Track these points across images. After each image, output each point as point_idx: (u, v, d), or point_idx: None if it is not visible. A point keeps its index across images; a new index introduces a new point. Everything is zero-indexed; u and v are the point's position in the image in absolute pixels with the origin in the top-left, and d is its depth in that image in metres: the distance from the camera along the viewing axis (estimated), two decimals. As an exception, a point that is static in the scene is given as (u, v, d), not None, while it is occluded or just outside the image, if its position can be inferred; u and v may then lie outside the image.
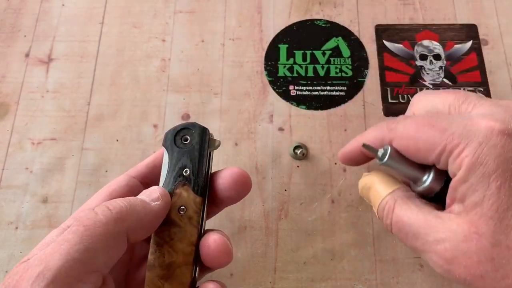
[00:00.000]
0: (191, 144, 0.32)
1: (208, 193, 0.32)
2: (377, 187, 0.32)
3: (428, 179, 0.30)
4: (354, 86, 0.50)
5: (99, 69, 0.51)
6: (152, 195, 0.30)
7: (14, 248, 0.43)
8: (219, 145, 0.34)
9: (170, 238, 0.30)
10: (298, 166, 0.46)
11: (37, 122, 0.49)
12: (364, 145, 0.33)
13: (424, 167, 0.31)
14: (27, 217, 0.44)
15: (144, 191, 0.30)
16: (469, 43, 0.52)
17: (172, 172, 0.31)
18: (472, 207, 0.26)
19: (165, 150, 0.32)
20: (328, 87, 0.50)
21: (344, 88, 0.50)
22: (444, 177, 0.30)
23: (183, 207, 0.30)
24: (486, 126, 0.26)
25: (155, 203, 0.29)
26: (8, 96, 0.50)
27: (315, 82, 0.50)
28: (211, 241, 0.29)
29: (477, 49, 0.52)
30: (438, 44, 0.52)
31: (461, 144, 0.27)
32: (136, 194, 0.31)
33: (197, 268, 0.31)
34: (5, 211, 0.45)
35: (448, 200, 0.29)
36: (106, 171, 0.46)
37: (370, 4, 0.54)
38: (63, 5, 0.55)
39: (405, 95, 0.49)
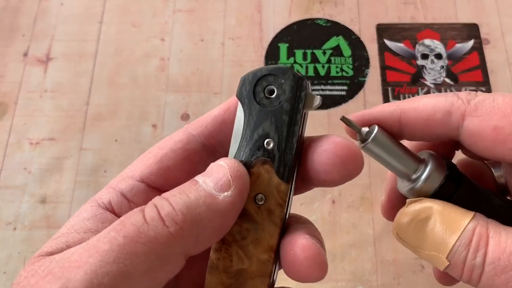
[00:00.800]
0: (279, 101, 0.22)
1: (296, 172, 0.23)
2: (445, 216, 0.21)
3: (425, 171, 0.23)
4: (355, 85, 0.50)
5: (98, 68, 0.51)
6: (220, 180, 0.20)
7: (13, 249, 0.43)
8: (319, 105, 0.23)
9: (242, 237, 0.21)
10: (298, 166, 0.46)
11: (35, 122, 0.48)
12: (343, 118, 0.23)
13: (419, 159, 0.23)
14: (25, 217, 0.44)
15: (208, 169, 0.21)
16: (471, 43, 0.52)
17: (249, 141, 0.22)
18: None
19: (239, 104, 0.22)
20: (329, 87, 0.49)
21: (345, 87, 0.49)
22: (445, 169, 0.23)
23: (261, 195, 0.22)
24: None
25: (225, 194, 0.20)
26: (7, 96, 0.50)
27: (315, 82, 0.50)
28: (299, 248, 0.21)
29: (478, 49, 0.51)
30: (439, 43, 0.52)
31: None
32: (194, 164, 0.22)
33: (276, 275, 0.23)
34: (3, 211, 0.44)
35: None
36: (105, 171, 0.46)
37: (371, 3, 0.54)
38: (61, 4, 0.55)
39: (406, 95, 0.49)
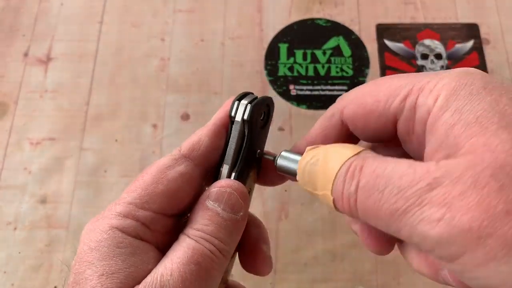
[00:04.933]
0: (265, 122, 0.28)
1: None
2: (332, 155, 0.22)
3: None
4: (355, 85, 0.49)
5: (98, 68, 0.51)
6: (235, 205, 0.25)
7: (13, 249, 0.43)
8: None
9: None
10: (298, 166, 0.46)
11: (35, 122, 0.48)
12: (259, 154, 0.28)
13: None
14: (25, 217, 0.44)
15: (219, 195, 0.25)
16: (471, 43, 0.52)
17: (250, 156, 0.27)
18: (468, 128, 0.19)
19: (239, 125, 0.26)
20: (329, 87, 0.49)
21: (345, 87, 0.49)
22: None
23: (250, 189, 0.27)
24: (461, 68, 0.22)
25: (240, 214, 0.25)
26: (7, 96, 0.50)
27: (315, 82, 0.50)
28: (260, 262, 0.28)
29: (478, 49, 0.51)
30: (439, 43, 0.52)
31: (435, 80, 0.21)
32: (194, 187, 0.26)
33: None
34: (3, 211, 0.44)
35: (428, 149, 0.21)
36: (105, 171, 0.46)
37: (371, 3, 0.54)
38: (61, 4, 0.55)
39: (406, 95, 0.49)
